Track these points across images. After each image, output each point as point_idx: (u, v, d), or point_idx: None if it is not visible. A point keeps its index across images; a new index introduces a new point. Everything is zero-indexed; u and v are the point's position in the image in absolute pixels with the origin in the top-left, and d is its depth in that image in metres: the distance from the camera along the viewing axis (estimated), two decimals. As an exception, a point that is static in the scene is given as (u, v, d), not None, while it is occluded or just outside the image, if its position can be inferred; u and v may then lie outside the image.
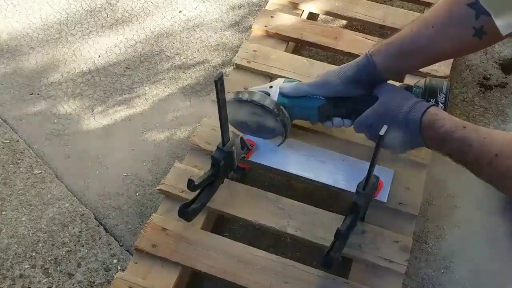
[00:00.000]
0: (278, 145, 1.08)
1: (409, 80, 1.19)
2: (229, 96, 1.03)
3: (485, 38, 0.88)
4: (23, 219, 1.18)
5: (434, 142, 0.90)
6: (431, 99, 0.97)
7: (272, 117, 1.01)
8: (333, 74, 1.00)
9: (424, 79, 1.02)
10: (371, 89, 0.98)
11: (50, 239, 1.15)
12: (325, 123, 1.04)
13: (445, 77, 1.24)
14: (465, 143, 0.85)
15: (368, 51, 0.98)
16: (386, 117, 0.92)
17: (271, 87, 1.05)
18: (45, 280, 1.09)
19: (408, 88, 1.00)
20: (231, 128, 0.97)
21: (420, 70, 1.18)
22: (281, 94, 1.04)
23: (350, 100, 1.00)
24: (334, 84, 0.99)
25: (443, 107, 0.97)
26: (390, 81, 1.01)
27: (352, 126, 1.00)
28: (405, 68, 1.05)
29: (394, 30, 1.39)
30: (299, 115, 1.06)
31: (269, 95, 1.03)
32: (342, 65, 1.01)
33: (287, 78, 1.12)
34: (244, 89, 1.09)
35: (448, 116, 0.90)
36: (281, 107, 1.02)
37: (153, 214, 1.03)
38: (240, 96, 1.02)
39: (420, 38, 0.94)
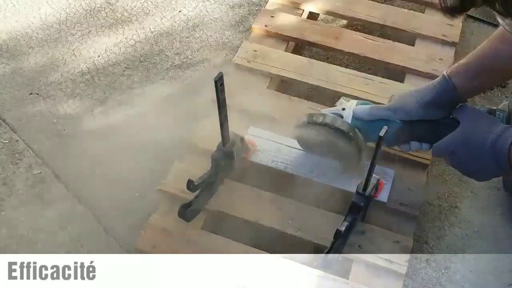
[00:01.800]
0: (351, 169, 1.06)
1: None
2: (302, 120, 1.02)
3: None
4: (23, 219, 1.17)
5: None
6: None
7: (346, 140, 0.99)
8: (410, 97, 0.97)
9: (507, 102, 0.99)
10: (449, 111, 0.96)
11: (49, 239, 1.14)
12: (402, 146, 1.01)
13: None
14: None
15: (446, 73, 0.95)
16: (471, 144, 0.88)
17: (343, 109, 1.02)
18: (45, 280, 1.09)
19: (491, 112, 0.97)
20: (231, 128, 0.97)
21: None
22: (355, 117, 1.01)
23: (429, 124, 0.97)
24: (412, 107, 0.96)
25: None
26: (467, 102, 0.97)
27: (431, 150, 0.96)
28: (485, 86, 1.01)
29: (394, 30, 1.41)
30: (374, 139, 1.03)
31: (342, 117, 1.01)
32: (418, 88, 0.98)
33: (360, 100, 1.07)
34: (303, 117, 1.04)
35: None
36: (356, 130, 0.99)
37: (153, 214, 1.03)
38: (314, 118, 1.00)
39: (500, 54, 0.92)
